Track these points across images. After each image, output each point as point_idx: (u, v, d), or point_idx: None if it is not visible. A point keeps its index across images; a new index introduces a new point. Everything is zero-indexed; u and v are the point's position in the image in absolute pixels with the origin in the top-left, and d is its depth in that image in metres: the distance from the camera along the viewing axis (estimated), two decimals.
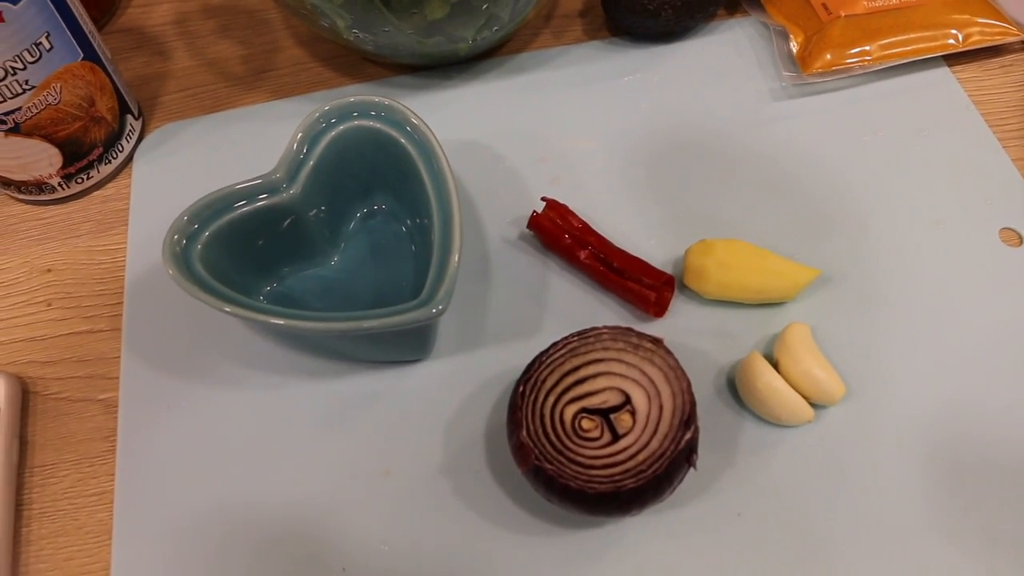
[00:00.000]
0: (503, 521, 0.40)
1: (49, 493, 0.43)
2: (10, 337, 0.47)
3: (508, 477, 0.41)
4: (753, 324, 0.45)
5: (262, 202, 0.43)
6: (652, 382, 0.37)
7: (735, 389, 0.43)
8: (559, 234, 0.46)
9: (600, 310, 0.45)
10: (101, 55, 0.49)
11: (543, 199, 0.47)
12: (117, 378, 0.45)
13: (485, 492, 0.40)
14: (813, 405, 0.41)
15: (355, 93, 0.45)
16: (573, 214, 0.46)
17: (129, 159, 0.53)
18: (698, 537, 0.39)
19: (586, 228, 0.46)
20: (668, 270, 0.46)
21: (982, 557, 0.38)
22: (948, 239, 0.48)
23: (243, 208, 0.42)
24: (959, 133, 0.52)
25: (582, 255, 0.45)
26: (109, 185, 0.53)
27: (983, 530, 0.39)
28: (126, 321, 0.47)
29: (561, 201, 0.47)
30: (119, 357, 0.46)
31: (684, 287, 0.46)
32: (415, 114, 0.43)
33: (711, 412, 0.42)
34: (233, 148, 0.53)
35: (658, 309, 0.44)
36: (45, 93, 0.46)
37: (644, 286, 0.44)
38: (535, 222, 0.46)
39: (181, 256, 0.40)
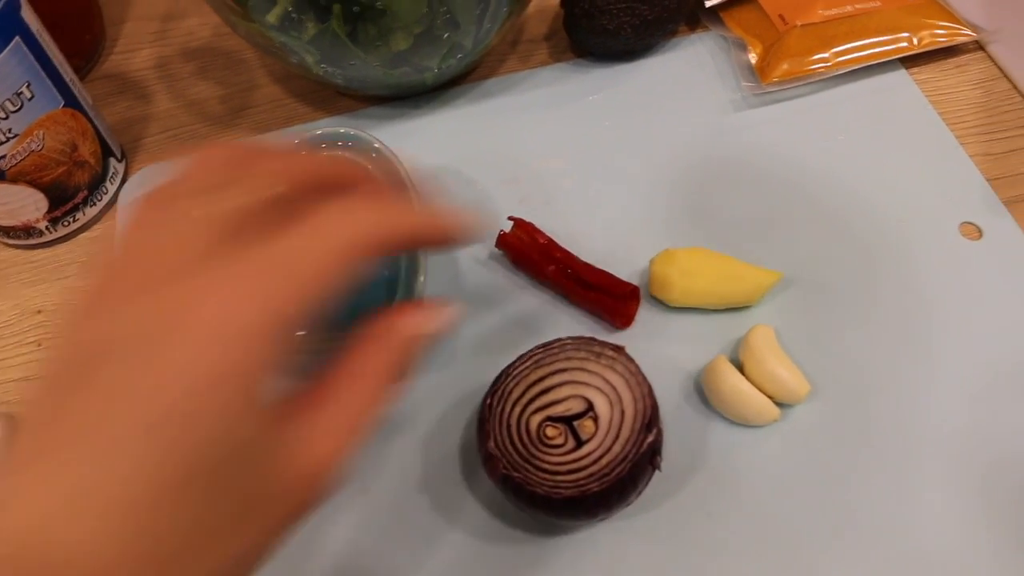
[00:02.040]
0: (481, 532, 0.41)
1: None
2: (3, 378, 0.49)
3: (484, 489, 0.42)
4: (719, 329, 0.46)
5: None
6: (614, 388, 0.38)
7: (703, 393, 0.44)
8: (526, 251, 0.47)
9: (569, 323, 0.47)
10: (82, 101, 0.51)
11: (510, 219, 0.48)
12: None
13: (462, 505, 0.42)
14: (779, 404, 0.42)
15: (329, 126, 0.46)
16: (539, 231, 0.48)
17: (114, 200, 0.55)
18: (669, 539, 0.40)
19: (552, 244, 0.47)
20: (635, 281, 0.48)
21: (950, 548, 0.39)
22: (909, 236, 0.49)
23: None
24: (918, 133, 0.54)
25: (549, 270, 0.46)
26: (95, 226, 0.55)
27: (952, 521, 0.40)
28: None
29: (529, 219, 0.48)
30: None
31: (651, 296, 0.47)
32: (379, 141, 0.45)
33: (680, 416, 0.43)
34: None
35: (624, 320, 0.45)
36: (28, 140, 0.48)
37: (609, 298, 0.45)
38: (503, 241, 0.48)
39: None
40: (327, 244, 0.25)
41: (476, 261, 0.49)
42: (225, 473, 0.23)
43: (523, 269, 0.48)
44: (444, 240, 0.30)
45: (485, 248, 0.49)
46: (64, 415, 0.23)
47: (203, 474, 0.23)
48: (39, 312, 0.51)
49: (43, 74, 0.47)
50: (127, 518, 0.22)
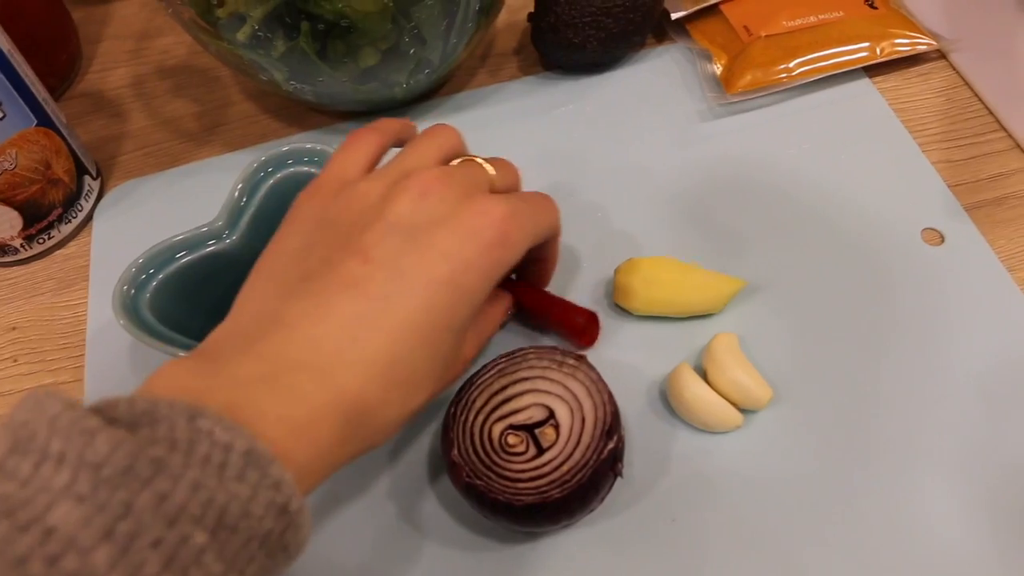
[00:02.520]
0: (447, 540, 0.41)
1: None
2: None
3: (450, 497, 0.42)
4: (683, 337, 0.46)
5: (205, 249, 0.45)
6: (575, 396, 0.39)
7: (667, 400, 0.44)
8: None
9: (535, 333, 0.47)
10: (55, 120, 0.52)
11: None
12: None
13: (429, 513, 0.42)
14: (742, 411, 0.43)
15: (301, 141, 0.47)
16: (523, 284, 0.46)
17: (89, 218, 0.56)
18: (634, 544, 0.40)
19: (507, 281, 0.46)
20: (600, 290, 0.48)
21: (916, 549, 0.40)
22: (872, 242, 0.49)
23: (188, 256, 0.45)
24: (881, 140, 0.54)
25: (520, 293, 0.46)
26: (70, 244, 0.55)
27: (917, 521, 0.40)
28: (88, 372, 0.49)
29: None
30: None
31: (615, 305, 0.47)
32: None
33: (644, 424, 0.44)
34: (188, 201, 0.56)
35: (588, 342, 0.46)
36: (1, 159, 0.48)
37: (568, 329, 0.46)
38: None
39: (131, 305, 0.43)
40: (543, 208, 0.39)
41: None
42: (454, 333, 0.33)
43: None
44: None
45: None
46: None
47: (446, 330, 0.33)
48: (14, 328, 0.52)
49: (15, 94, 0.48)
50: (394, 346, 0.31)
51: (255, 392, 0.28)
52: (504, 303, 0.44)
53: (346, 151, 0.39)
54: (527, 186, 0.52)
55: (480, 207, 0.34)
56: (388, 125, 0.41)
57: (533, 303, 0.46)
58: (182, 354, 0.41)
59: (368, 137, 0.39)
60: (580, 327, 0.45)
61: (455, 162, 0.39)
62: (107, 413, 0.25)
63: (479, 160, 0.39)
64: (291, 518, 0.26)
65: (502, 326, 0.46)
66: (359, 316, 0.31)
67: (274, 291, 0.34)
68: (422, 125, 0.57)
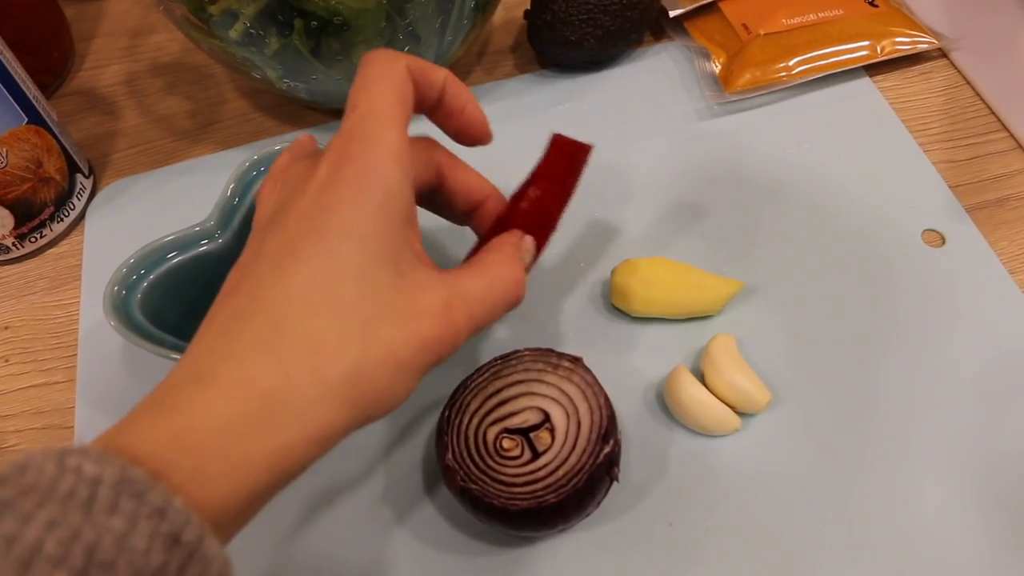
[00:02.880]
0: (442, 544, 0.41)
1: None
2: None
3: (445, 501, 0.42)
4: (680, 338, 0.46)
5: (197, 249, 0.44)
6: (570, 399, 0.39)
7: (664, 403, 0.44)
8: None
9: (530, 335, 0.47)
10: (46, 118, 0.51)
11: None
12: (73, 427, 0.47)
13: (425, 517, 0.42)
14: (740, 414, 0.42)
15: (290, 141, 0.46)
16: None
17: (81, 216, 0.55)
18: (631, 549, 0.40)
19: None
20: (597, 291, 0.48)
21: (918, 550, 0.39)
22: (873, 243, 0.49)
23: (179, 256, 0.44)
24: (881, 140, 0.54)
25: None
26: (62, 242, 0.55)
27: (917, 524, 0.40)
28: (80, 372, 0.49)
29: None
30: (74, 407, 0.47)
31: (612, 306, 0.47)
32: None
33: (641, 426, 0.43)
34: (181, 199, 0.55)
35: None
36: None
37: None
38: None
39: (121, 306, 0.42)
40: (374, 101, 0.32)
41: None
42: (362, 287, 0.29)
43: None
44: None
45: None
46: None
47: (341, 281, 0.29)
48: (6, 328, 0.51)
49: (5, 92, 0.47)
50: (274, 320, 0.28)
51: (136, 420, 0.26)
52: (506, 246, 0.36)
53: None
54: (513, 187, 0.52)
55: (322, 157, 0.32)
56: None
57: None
58: (174, 355, 0.40)
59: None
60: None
61: None
62: None
63: None
64: (190, 549, 0.23)
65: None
66: (231, 315, 0.29)
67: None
68: (416, 123, 0.57)
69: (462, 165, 0.38)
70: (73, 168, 0.54)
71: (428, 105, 0.36)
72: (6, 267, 0.54)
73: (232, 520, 0.26)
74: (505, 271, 0.34)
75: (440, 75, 0.35)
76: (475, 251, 0.37)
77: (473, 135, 0.38)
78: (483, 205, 0.38)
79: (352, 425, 0.29)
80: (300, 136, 0.39)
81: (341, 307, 0.29)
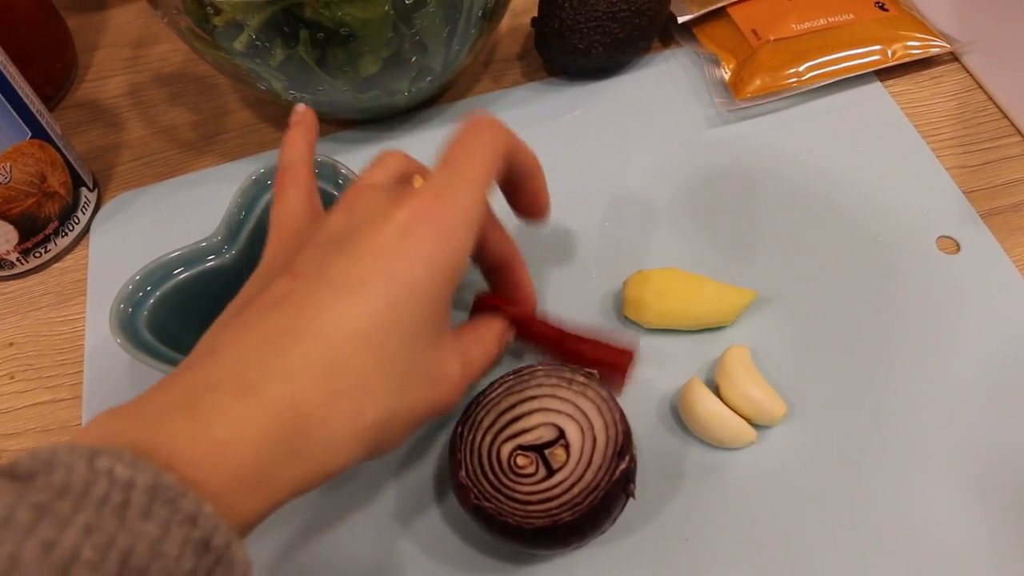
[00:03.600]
0: (455, 561, 0.40)
1: None
2: None
3: (458, 517, 0.41)
4: (694, 350, 0.45)
5: (204, 265, 0.44)
6: (585, 415, 0.38)
7: (679, 416, 0.43)
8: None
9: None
10: (50, 132, 0.51)
11: (477, 298, 0.42)
12: None
13: (437, 534, 0.41)
14: (756, 426, 0.42)
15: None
16: (511, 306, 0.42)
17: (86, 230, 0.55)
18: (647, 565, 0.39)
19: (528, 319, 0.42)
20: (609, 303, 0.47)
21: (937, 565, 0.38)
22: (887, 251, 0.48)
23: (186, 272, 0.44)
24: (894, 146, 0.53)
25: (533, 339, 0.42)
26: (67, 257, 0.54)
27: (940, 539, 0.39)
28: (86, 389, 0.48)
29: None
30: (80, 424, 0.47)
31: (625, 318, 0.46)
32: (344, 166, 0.44)
33: (655, 440, 0.43)
34: (186, 212, 0.55)
35: (619, 385, 0.41)
36: None
37: (604, 367, 0.41)
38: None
39: (128, 324, 0.41)
40: (471, 167, 0.33)
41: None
42: (408, 338, 0.30)
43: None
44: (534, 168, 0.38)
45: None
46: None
47: (394, 332, 0.30)
48: (11, 345, 0.51)
49: (8, 106, 0.47)
50: (328, 350, 0.28)
51: (169, 419, 0.26)
52: (498, 327, 0.39)
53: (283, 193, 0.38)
54: None
55: (405, 199, 0.31)
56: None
57: (559, 339, 0.41)
58: None
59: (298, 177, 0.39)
60: (622, 363, 0.41)
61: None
62: (10, 470, 0.23)
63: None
64: (218, 554, 0.23)
65: (500, 358, 0.40)
66: (284, 327, 0.29)
67: (215, 328, 0.32)
68: (424, 133, 0.57)
69: (498, 224, 0.39)
70: (77, 182, 0.54)
71: (509, 181, 0.38)
72: (10, 283, 0.53)
73: (251, 526, 0.26)
74: (494, 348, 0.38)
75: (532, 162, 0.38)
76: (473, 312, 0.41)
77: (535, 216, 0.41)
78: (506, 266, 0.40)
79: (356, 464, 0.30)
80: (390, 153, 0.39)
81: (391, 357, 0.30)
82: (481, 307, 0.43)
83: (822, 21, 0.56)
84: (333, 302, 0.29)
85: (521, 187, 0.39)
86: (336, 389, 0.28)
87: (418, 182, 0.38)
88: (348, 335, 0.29)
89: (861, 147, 0.53)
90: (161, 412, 0.26)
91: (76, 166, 0.54)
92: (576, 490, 0.36)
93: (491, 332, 0.39)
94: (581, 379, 0.39)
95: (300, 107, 0.40)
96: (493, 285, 0.41)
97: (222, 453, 0.25)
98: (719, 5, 0.58)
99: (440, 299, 0.31)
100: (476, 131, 0.34)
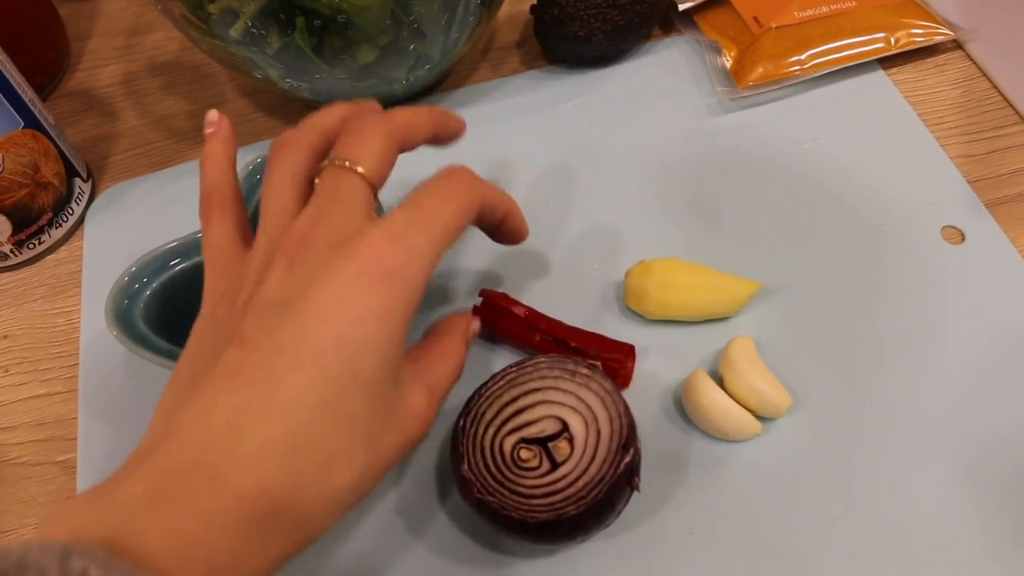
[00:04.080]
0: (457, 555, 0.40)
1: None
2: None
3: (460, 510, 0.41)
4: (698, 341, 0.45)
5: (200, 256, 0.43)
6: (589, 408, 0.37)
7: (682, 408, 0.43)
8: (506, 325, 0.44)
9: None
10: (43, 121, 0.50)
11: (481, 293, 0.45)
12: (75, 439, 0.46)
13: (438, 528, 0.40)
14: (760, 418, 0.41)
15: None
16: (515, 301, 0.45)
17: (80, 221, 0.54)
18: (652, 558, 0.39)
19: (532, 313, 0.44)
20: (611, 293, 0.47)
21: (943, 558, 0.38)
22: (891, 241, 0.48)
23: (182, 263, 0.43)
24: (897, 135, 0.53)
25: (535, 340, 0.44)
26: (61, 248, 0.53)
27: (945, 530, 0.39)
28: (82, 382, 0.47)
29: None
30: (76, 418, 0.46)
31: (627, 309, 0.46)
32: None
33: (659, 432, 0.42)
34: (182, 202, 0.54)
35: (623, 380, 0.43)
36: None
37: (606, 361, 0.43)
38: (478, 316, 0.43)
39: (124, 316, 0.41)
40: (438, 217, 0.32)
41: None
42: (368, 393, 0.29)
43: (505, 340, 0.45)
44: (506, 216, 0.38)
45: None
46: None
47: (352, 390, 0.28)
48: (5, 337, 0.50)
49: (0, 96, 0.46)
50: (291, 427, 0.27)
51: (138, 514, 0.25)
52: (459, 332, 0.38)
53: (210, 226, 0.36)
54: (527, 188, 0.51)
55: (352, 248, 0.29)
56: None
57: (563, 334, 0.43)
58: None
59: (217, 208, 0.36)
60: (622, 356, 0.43)
61: (320, 177, 0.33)
62: None
63: (359, 171, 0.32)
64: None
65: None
66: (242, 407, 0.27)
67: (171, 400, 0.31)
68: None
69: (490, 185, 0.37)
70: (71, 172, 0.53)
71: (485, 225, 0.38)
72: (4, 275, 0.53)
73: None
74: (459, 354, 0.37)
75: (507, 206, 0.37)
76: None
77: (513, 244, 0.41)
78: (509, 217, 0.38)
79: (337, 523, 0.30)
80: (290, 143, 0.35)
81: (354, 419, 0.29)
82: (487, 301, 0.45)
83: (824, 8, 0.56)
84: (287, 375, 0.28)
85: (499, 228, 0.38)
86: (304, 465, 0.27)
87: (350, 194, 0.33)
88: (308, 407, 0.28)
89: (864, 136, 0.53)
90: (130, 506, 0.26)
91: (70, 156, 0.53)
92: (580, 484, 0.36)
93: (453, 342, 0.37)
94: (584, 371, 0.38)
95: (213, 114, 0.38)
96: (493, 236, 0.40)
97: (196, 547, 0.25)
98: None
99: (395, 346, 0.30)
100: (450, 181, 0.33)
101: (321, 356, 0.28)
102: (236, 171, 0.37)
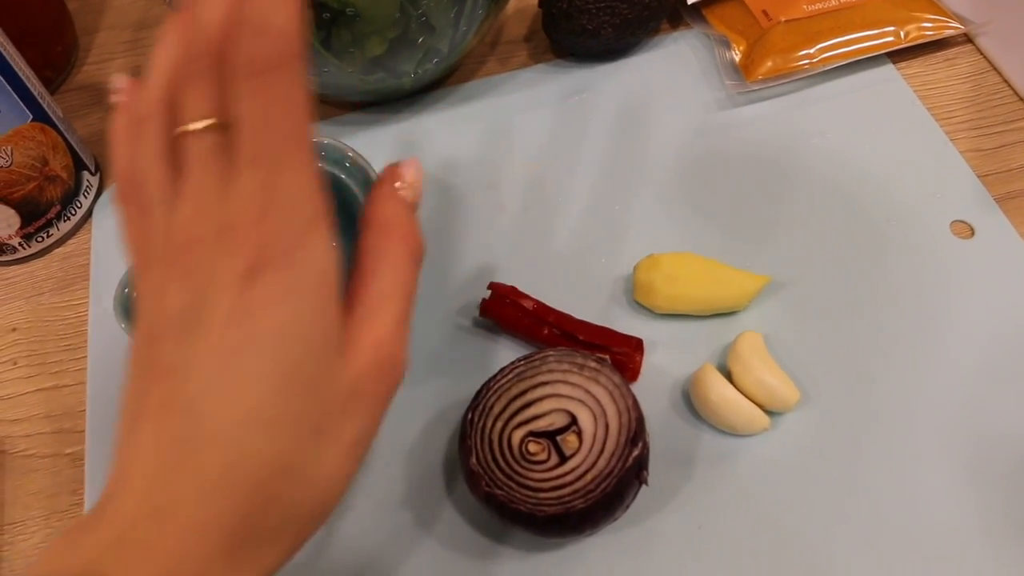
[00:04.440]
0: (465, 548, 0.40)
1: (19, 550, 0.43)
2: None
3: (468, 504, 0.41)
4: (706, 335, 0.45)
5: None
6: (597, 401, 0.37)
7: (691, 402, 0.43)
8: (515, 318, 0.44)
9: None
10: (52, 115, 0.50)
11: (490, 286, 0.45)
12: (83, 431, 0.46)
13: (446, 521, 0.41)
14: (769, 413, 0.41)
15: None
16: (523, 295, 0.45)
17: (88, 214, 0.54)
18: (659, 552, 0.39)
19: (541, 307, 0.44)
20: (619, 287, 0.47)
21: (951, 553, 0.38)
22: (900, 236, 0.48)
23: None
24: (907, 129, 0.52)
25: (544, 334, 0.44)
26: (69, 241, 0.54)
27: (953, 525, 0.39)
28: (90, 374, 0.47)
29: (510, 227, 0.47)
30: (85, 410, 0.46)
31: (635, 303, 0.46)
32: (352, 149, 0.44)
33: (667, 426, 0.42)
34: None
35: (631, 374, 0.43)
36: None
37: (615, 355, 0.43)
38: (487, 309, 0.45)
39: (132, 308, 0.41)
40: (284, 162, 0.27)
41: (460, 328, 0.47)
42: (315, 371, 0.26)
43: (513, 333, 0.45)
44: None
45: (468, 317, 0.47)
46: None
47: (299, 392, 0.26)
48: (14, 330, 0.50)
49: (9, 88, 0.46)
50: (249, 424, 0.25)
51: (104, 562, 0.25)
52: (397, 277, 0.30)
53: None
54: (535, 182, 0.51)
55: (240, 245, 0.26)
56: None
57: (571, 328, 0.43)
58: None
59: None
60: (630, 349, 0.43)
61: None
62: None
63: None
64: None
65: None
66: (178, 439, 0.26)
67: (124, 438, 0.28)
68: (431, 116, 0.56)
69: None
70: (79, 165, 0.53)
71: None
72: (13, 267, 0.53)
73: None
74: (402, 283, 0.30)
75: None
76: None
77: None
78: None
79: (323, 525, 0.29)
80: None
81: (294, 421, 0.26)
82: (496, 294, 0.45)
83: (834, 2, 0.55)
84: (211, 401, 0.26)
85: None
86: (251, 485, 0.26)
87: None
88: (240, 427, 0.26)
89: (874, 130, 0.52)
90: (95, 555, 0.25)
91: (78, 149, 0.53)
92: (589, 477, 0.36)
93: (391, 269, 0.30)
94: (593, 365, 0.38)
95: (119, 79, 0.32)
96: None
97: None
98: None
99: (324, 327, 0.27)
100: (390, 226, 0.30)
101: (239, 368, 0.26)
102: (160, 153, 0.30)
